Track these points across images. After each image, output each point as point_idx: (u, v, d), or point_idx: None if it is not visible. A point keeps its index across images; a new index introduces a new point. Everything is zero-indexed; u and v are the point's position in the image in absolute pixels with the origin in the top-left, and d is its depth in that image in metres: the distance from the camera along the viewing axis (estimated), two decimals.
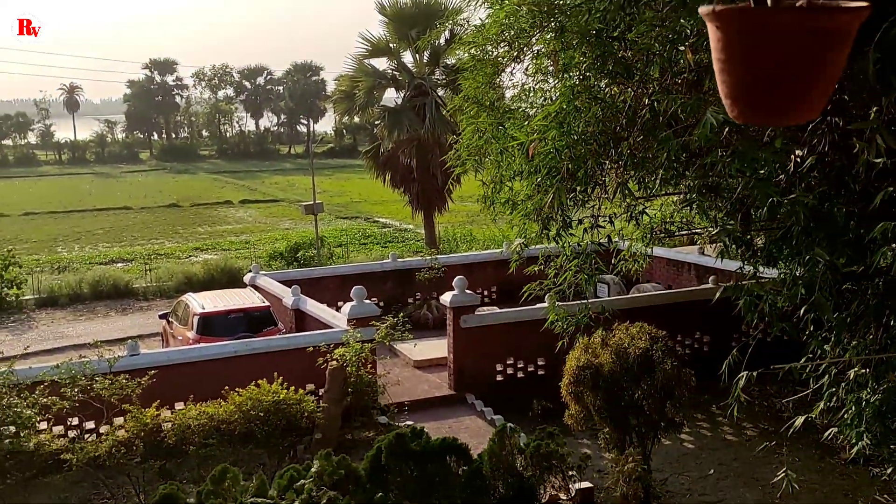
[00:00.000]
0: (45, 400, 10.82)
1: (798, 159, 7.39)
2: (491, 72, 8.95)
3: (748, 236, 9.05)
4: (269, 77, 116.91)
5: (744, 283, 8.50)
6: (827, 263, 7.07)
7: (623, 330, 10.61)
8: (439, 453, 9.25)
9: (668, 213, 11.24)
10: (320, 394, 12.71)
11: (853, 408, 7.71)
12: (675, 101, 7.09)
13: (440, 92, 24.94)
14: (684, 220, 11.23)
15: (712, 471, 11.45)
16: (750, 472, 11.31)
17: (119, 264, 31.90)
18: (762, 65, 1.25)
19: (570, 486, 9.87)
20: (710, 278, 16.14)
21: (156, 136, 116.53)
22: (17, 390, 10.88)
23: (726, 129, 7.07)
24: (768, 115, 1.36)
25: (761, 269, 9.86)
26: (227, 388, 11.54)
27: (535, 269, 10.16)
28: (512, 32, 8.72)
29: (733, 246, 8.73)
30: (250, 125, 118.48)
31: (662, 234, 11.86)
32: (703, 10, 1.29)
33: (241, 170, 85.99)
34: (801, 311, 7.24)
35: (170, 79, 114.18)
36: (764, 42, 1.23)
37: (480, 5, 9.28)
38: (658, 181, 7.96)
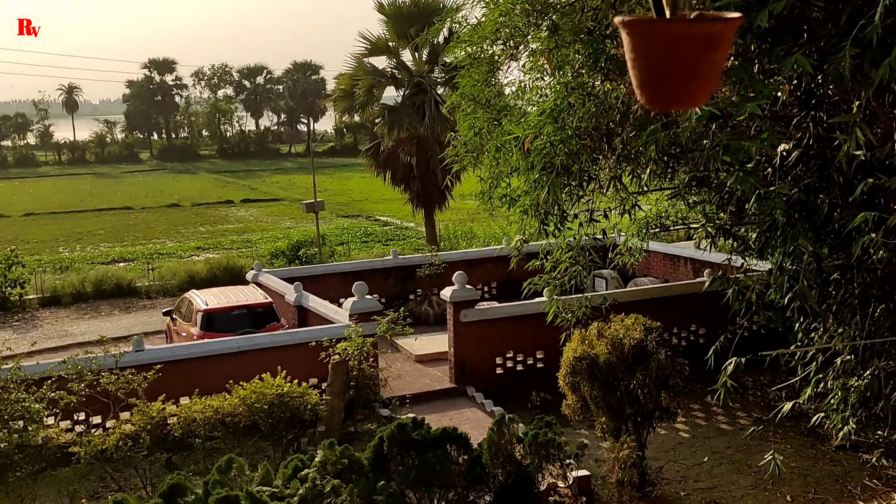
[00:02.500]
0: (52, 395, 11.04)
1: (784, 153, 7.63)
2: (487, 70, 9.19)
3: (738, 229, 9.31)
4: (268, 76, 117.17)
5: (734, 275, 8.75)
6: (811, 254, 7.32)
7: (619, 322, 10.85)
8: (440, 442, 9.50)
9: (662, 209, 11.50)
10: (323, 387, 12.96)
11: (839, 393, 7.95)
12: None
13: (439, 90, 25.18)
14: (679, 214, 11.50)
15: (707, 458, 11.70)
16: (743, 459, 11.56)
17: (121, 264, 32.16)
18: (658, 63, 1.58)
19: (568, 473, 10.11)
20: (706, 272, 16.38)
21: (156, 136, 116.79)
22: (25, 385, 11.11)
23: (715, 125, 7.32)
24: (666, 102, 1.69)
25: (754, 261, 10.13)
26: (231, 382, 11.78)
27: (536, 264, 10.43)
28: (507, 31, 8.95)
29: (722, 239, 8.98)
30: (250, 124, 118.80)
31: (657, 229, 12.12)
32: (616, 19, 1.60)
33: (241, 169, 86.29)
34: (787, 301, 7.47)
35: (169, 78, 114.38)
36: (658, 45, 1.57)
37: (476, 4, 9.52)
38: (648, 175, 8.18)
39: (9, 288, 24.11)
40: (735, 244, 9.43)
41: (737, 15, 1.58)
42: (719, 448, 12.06)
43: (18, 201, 58.81)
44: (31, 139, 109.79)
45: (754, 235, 8.92)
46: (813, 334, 8.70)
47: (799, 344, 8.72)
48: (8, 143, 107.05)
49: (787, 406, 8.54)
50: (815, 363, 8.41)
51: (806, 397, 8.72)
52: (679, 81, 1.57)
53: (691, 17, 1.57)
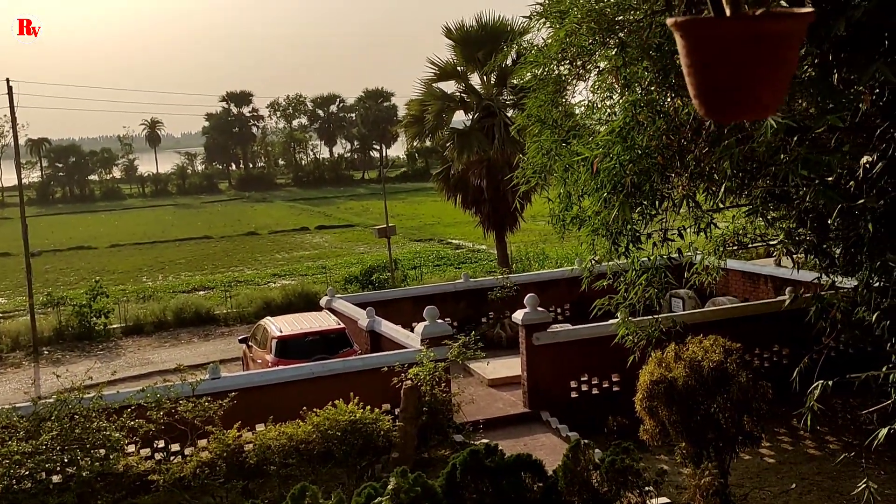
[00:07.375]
0: (132, 423, 11.26)
1: (867, 165, 7.27)
2: (553, 90, 9.06)
3: (824, 245, 8.90)
4: (341, 105, 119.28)
5: (819, 293, 8.35)
6: None
7: (696, 343, 10.51)
8: (514, 469, 9.31)
9: (740, 226, 11.11)
10: (396, 413, 12.90)
11: None
12: None
13: (508, 112, 25.09)
14: (757, 231, 11.09)
15: (794, 485, 11.19)
16: (834, 486, 11.01)
17: (201, 292, 32.89)
18: (719, 67, 1.38)
19: (647, 501, 9.77)
20: (787, 290, 15.78)
21: (234, 167, 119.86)
22: (106, 414, 11.36)
23: (795, 138, 7.02)
24: (729, 113, 1.49)
25: (839, 278, 9.66)
26: (305, 408, 11.84)
27: (605, 284, 10.18)
28: (573, 50, 8.81)
29: (803, 255, 8.59)
30: (324, 152, 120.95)
31: (735, 247, 11.71)
32: (668, 21, 1.43)
33: (316, 196, 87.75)
34: (874, 319, 7.07)
35: (246, 110, 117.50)
36: (718, 48, 1.37)
37: (543, 25, 9.41)
38: (723, 192, 7.90)
39: (94, 318, 24.89)
40: (819, 261, 9.01)
41: (808, 10, 1.39)
42: (808, 474, 11.52)
43: (105, 233, 60.98)
44: (117, 173, 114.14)
45: (838, 251, 8.51)
46: None
47: (891, 365, 8.25)
48: (95, 177, 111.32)
49: (883, 432, 8.08)
50: None
51: None
52: (743, 88, 1.38)
53: (755, 14, 1.38)
